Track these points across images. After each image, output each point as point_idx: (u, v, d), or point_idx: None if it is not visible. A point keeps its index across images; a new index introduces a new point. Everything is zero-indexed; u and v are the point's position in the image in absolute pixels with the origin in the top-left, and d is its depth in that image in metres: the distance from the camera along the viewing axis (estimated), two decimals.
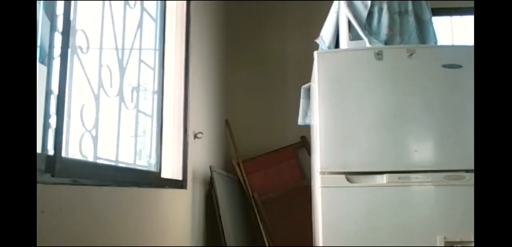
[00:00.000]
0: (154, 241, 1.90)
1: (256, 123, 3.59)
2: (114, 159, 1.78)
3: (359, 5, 2.32)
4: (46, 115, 1.22)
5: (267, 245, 3.00)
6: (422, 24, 2.31)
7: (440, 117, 2.02)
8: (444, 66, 2.05)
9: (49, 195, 1.14)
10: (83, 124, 1.53)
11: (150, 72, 2.18)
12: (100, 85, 1.66)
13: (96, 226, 1.39)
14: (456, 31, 3.55)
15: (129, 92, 1.92)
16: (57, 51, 1.28)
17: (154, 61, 2.22)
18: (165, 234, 2.04)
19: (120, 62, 1.84)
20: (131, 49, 1.95)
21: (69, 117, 1.40)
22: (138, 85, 2.02)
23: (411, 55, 2.07)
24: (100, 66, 1.67)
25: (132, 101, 1.94)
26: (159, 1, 2.31)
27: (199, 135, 2.62)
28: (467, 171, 1.94)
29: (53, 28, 1.27)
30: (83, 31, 1.52)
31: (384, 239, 1.94)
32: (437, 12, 3.19)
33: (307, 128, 2.89)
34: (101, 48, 1.68)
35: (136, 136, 2.03)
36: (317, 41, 2.61)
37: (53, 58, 1.26)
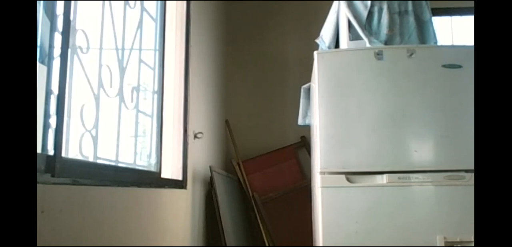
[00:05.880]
0: (154, 241, 1.90)
1: (256, 123, 3.59)
2: (114, 159, 1.78)
3: (359, 5, 2.32)
4: (46, 115, 1.22)
5: (267, 245, 2.99)
6: (422, 24, 2.31)
7: (440, 117, 2.02)
8: (444, 66, 2.05)
9: (49, 195, 1.14)
10: (83, 124, 1.53)
11: (150, 72, 2.18)
12: (100, 85, 1.66)
13: (96, 226, 1.39)
14: (456, 31, 3.55)
15: (129, 92, 1.92)
16: (57, 51, 1.28)
17: (154, 61, 2.22)
18: (165, 234, 2.04)
19: (120, 62, 1.84)
20: (131, 49, 1.95)
21: (69, 117, 1.40)
22: (138, 85, 2.02)
23: (411, 55, 2.07)
24: (100, 66, 1.67)
25: (132, 101, 1.94)
26: (159, 1, 2.31)
27: (199, 135, 2.62)
28: (467, 171, 1.94)
29: (53, 28, 1.27)
30: (83, 31, 1.52)
31: (384, 239, 1.94)
32: (437, 12, 3.19)
33: (307, 128, 2.89)
34: (101, 48, 1.68)
35: (136, 136, 2.03)
36: (317, 41, 2.61)
37: (53, 58, 1.26)
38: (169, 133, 2.31)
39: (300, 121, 2.73)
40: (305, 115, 2.69)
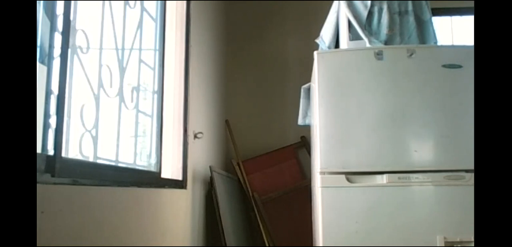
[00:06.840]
0: (154, 241, 1.90)
1: (256, 123, 3.59)
2: (114, 159, 1.78)
3: (359, 5, 2.32)
4: (46, 115, 1.22)
5: (267, 245, 2.99)
6: (422, 24, 2.31)
7: (440, 117, 2.02)
8: (444, 66, 2.05)
9: (49, 195, 1.14)
10: (83, 124, 1.53)
11: (150, 72, 2.18)
12: (100, 85, 1.66)
13: (96, 226, 1.39)
14: (456, 31, 3.55)
15: (129, 92, 1.92)
16: (57, 51, 1.28)
17: (154, 61, 2.22)
18: (165, 234, 2.04)
19: (120, 62, 1.84)
20: (131, 49, 1.95)
21: (69, 117, 1.40)
22: (138, 85, 2.02)
23: (411, 55, 2.07)
24: (100, 66, 1.67)
25: (132, 101, 1.94)
26: (159, 1, 2.31)
27: (199, 135, 2.62)
28: (467, 171, 1.94)
29: (53, 28, 1.27)
30: (83, 31, 1.52)
31: (384, 239, 1.94)
32: (437, 12, 3.19)
33: (307, 128, 2.89)
34: (101, 48, 1.68)
35: (136, 136, 2.03)
36: (317, 41, 2.61)
37: (53, 58, 1.26)
38: (169, 133, 2.31)
39: (300, 121, 2.73)
40: (305, 115, 2.69)
